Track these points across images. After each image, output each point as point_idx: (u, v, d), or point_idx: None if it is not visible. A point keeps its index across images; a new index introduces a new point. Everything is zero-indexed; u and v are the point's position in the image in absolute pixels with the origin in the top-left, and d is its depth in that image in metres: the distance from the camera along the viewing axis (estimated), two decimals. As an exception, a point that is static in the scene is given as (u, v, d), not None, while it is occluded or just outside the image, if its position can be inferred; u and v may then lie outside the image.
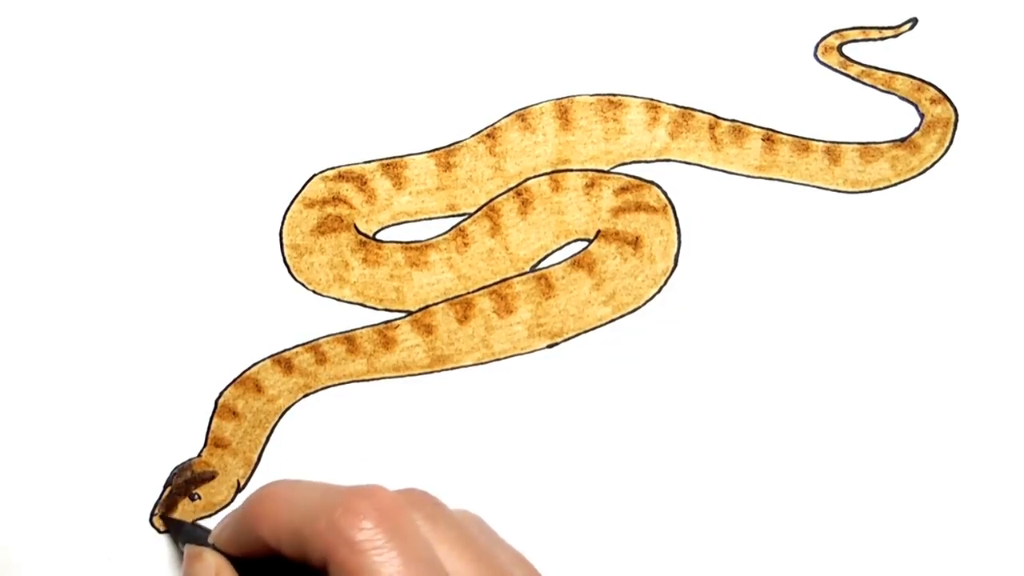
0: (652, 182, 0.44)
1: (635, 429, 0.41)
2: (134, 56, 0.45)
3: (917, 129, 0.45)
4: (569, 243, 0.44)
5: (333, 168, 0.44)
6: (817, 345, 0.42)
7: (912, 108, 0.45)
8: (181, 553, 0.38)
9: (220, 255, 0.43)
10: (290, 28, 0.46)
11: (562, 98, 0.45)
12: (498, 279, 0.43)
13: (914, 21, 0.47)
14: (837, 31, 0.46)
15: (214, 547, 0.35)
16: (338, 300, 0.43)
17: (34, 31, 0.46)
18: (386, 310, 0.43)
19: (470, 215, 0.44)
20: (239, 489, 0.41)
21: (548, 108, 0.45)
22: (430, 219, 0.44)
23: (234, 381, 0.41)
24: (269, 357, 0.42)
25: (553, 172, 0.45)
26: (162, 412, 0.41)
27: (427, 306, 0.43)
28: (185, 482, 0.40)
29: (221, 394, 0.41)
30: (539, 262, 0.44)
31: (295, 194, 0.44)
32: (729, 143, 0.45)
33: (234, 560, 0.34)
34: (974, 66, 0.46)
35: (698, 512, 0.40)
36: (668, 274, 0.43)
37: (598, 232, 0.44)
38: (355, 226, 0.44)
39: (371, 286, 0.43)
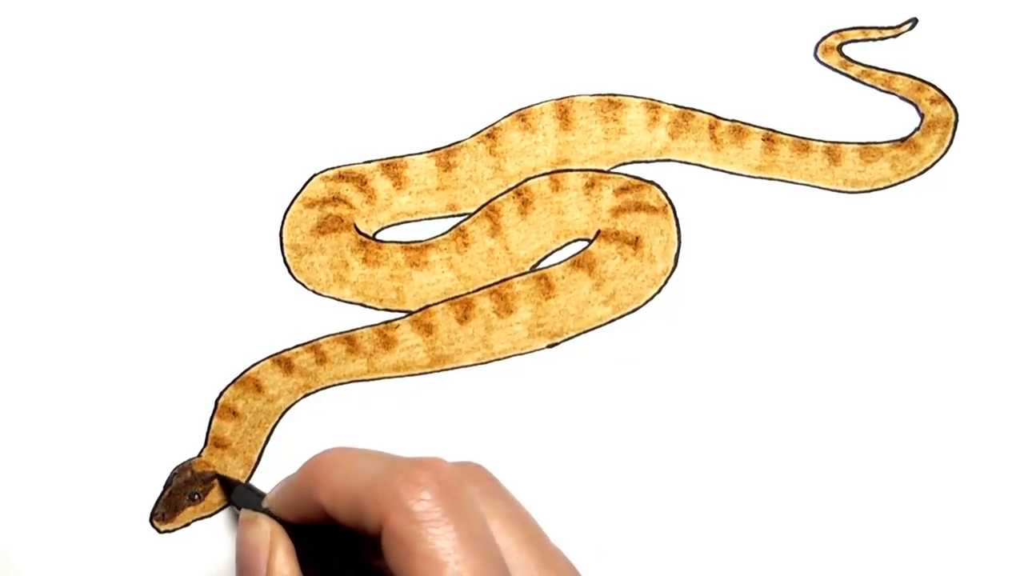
0: (652, 182, 0.44)
1: (635, 429, 0.41)
2: (134, 56, 0.45)
3: (917, 129, 0.45)
4: (569, 243, 0.44)
5: (333, 168, 0.44)
6: (817, 345, 0.42)
7: (912, 108, 0.45)
8: (235, 515, 0.38)
9: (220, 255, 0.43)
10: (290, 28, 0.46)
11: (562, 98, 0.45)
12: (498, 279, 0.43)
13: (914, 21, 0.47)
14: (837, 31, 0.46)
15: (268, 511, 0.35)
16: (338, 300, 0.43)
17: (34, 31, 0.46)
18: (386, 310, 0.43)
19: (470, 215, 0.44)
20: (239, 489, 0.41)
21: (548, 108, 0.45)
22: (430, 219, 0.44)
23: (234, 381, 0.41)
24: (269, 357, 0.42)
25: (553, 172, 0.45)
26: (162, 412, 0.41)
27: (427, 306, 0.43)
28: (185, 482, 0.40)
29: (221, 394, 0.41)
30: (539, 262, 0.44)
31: (295, 194, 0.44)
32: (729, 143, 0.45)
33: (287, 526, 0.34)
34: (974, 66, 0.46)
35: (698, 511, 0.40)
36: (668, 274, 0.43)
37: (598, 232, 0.44)
38: (355, 226, 0.44)
39: (371, 286, 0.43)
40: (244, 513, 0.35)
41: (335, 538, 0.33)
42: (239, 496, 0.39)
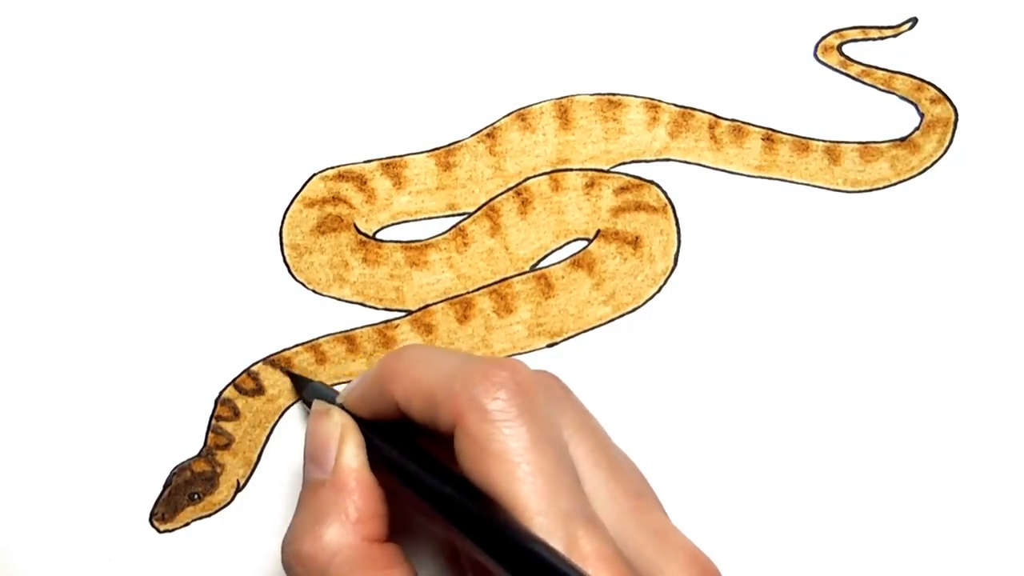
0: (652, 182, 0.44)
1: (635, 429, 0.41)
2: (134, 56, 0.45)
3: (917, 129, 0.45)
4: (569, 243, 0.44)
5: (333, 168, 0.44)
6: (817, 345, 0.42)
7: (912, 108, 0.45)
8: (306, 411, 0.38)
9: (220, 255, 0.43)
10: (290, 28, 0.46)
11: (562, 98, 0.45)
12: (498, 279, 0.43)
13: (914, 21, 0.47)
14: (837, 31, 0.46)
15: (341, 406, 0.34)
16: (338, 300, 0.43)
17: (34, 31, 0.46)
18: (386, 310, 0.43)
19: (470, 215, 0.44)
20: (239, 489, 0.41)
21: (548, 108, 0.45)
22: (430, 219, 0.44)
23: (234, 381, 0.41)
24: (269, 357, 0.42)
25: (553, 172, 0.45)
26: (162, 412, 0.41)
27: (427, 305, 0.43)
28: (185, 482, 0.40)
29: (221, 394, 0.41)
30: (539, 262, 0.44)
31: (295, 194, 0.44)
32: (729, 143, 0.45)
33: (360, 422, 0.34)
34: (974, 66, 0.46)
35: (698, 512, 0.40)
36: (668, 274, 0.43)
37: (598, 232, 0.44)
38: (355, 226, 0.44)
39: (371, 286, 0.43)
40: (317, 404, 0.35)
41: (406, 437, 0.32)
42: (310, 393, 0.39)
